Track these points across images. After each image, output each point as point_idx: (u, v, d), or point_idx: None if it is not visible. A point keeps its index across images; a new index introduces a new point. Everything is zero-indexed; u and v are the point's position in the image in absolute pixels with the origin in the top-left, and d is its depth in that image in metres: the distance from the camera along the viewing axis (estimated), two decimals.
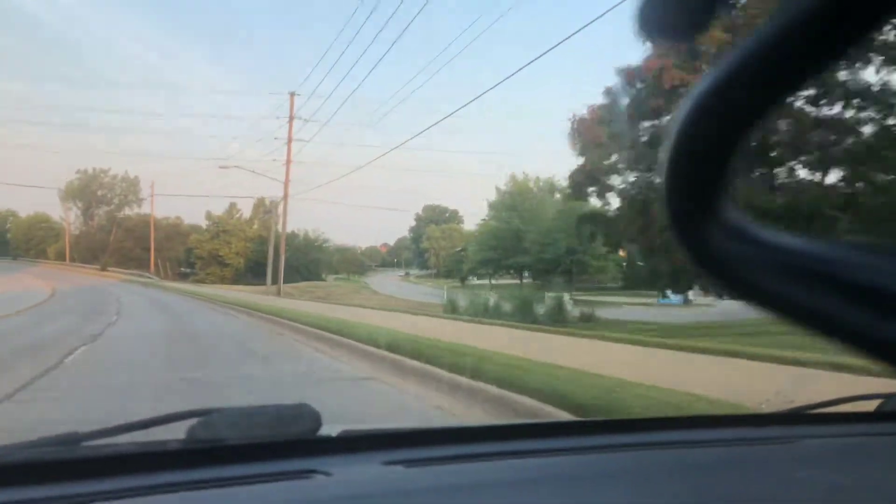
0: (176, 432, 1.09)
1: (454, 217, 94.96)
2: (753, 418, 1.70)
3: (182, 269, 62.73)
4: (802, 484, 1.14)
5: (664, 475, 1.18)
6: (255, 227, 67.04)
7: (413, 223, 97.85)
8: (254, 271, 62.62)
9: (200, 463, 1.07)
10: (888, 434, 1.44)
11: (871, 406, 1.50)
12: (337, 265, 70.68)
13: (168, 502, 0.98)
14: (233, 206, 67.00)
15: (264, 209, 68.78)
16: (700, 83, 0.31)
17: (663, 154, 0.33)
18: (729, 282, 0.33)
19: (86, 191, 77.34)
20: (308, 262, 63.39)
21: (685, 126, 0.32)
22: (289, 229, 63.08)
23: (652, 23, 0.33)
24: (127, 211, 76.63)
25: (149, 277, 50.96)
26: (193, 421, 1.09)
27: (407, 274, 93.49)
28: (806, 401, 1.56)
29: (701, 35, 0.32)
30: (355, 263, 79.45)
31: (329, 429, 1.19)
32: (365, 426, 1.37)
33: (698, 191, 0.33)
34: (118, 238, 67.80)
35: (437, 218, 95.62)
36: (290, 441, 1.15)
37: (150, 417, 1.12)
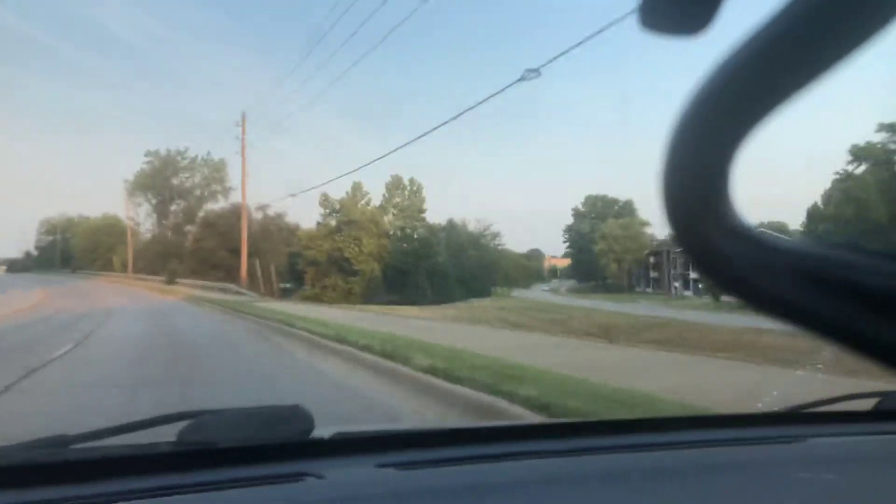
0: (167, 435, 1.07)
1: (628, 209, 70.87)
2: (751, 418, 1.63)
3: (282, 283, 40.07)
4: (802, 484, 1.13)
5: (662, 476, 1.16)
6: (391, 216, 44.44)
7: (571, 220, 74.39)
8: (393, 283, 38.57)
9: (191, 466, 1.08)
10: (886, 433, 1.42)
11: (868, 405, 1.47)
12: (507, 274, 48.08)
13: None
14: (357, 186, 45.33)
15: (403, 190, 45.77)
16: (702, 79, 0.31)
17: (663, 153, 0.32)
18: (730, 283, 0.32)
19: (158, 179, 58.51)
20: (480, 268, 40.05)
21: (686, 124, 0.31)
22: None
23: (654, 17, 0.32)
24: (211, 205, 57.44)
25: (240, 292, 28.73)
26: (184, 423, 1.09)
27: (553, 288, 69.72)
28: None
29: (704, 30, 0.32)
30: (524, 273, 56.78)
31: (322, 430, 1.18)
32: (358, 428, 1.36)
33: (700, 191, 0.32)
34: (197, 237, 47.74)
35: (603, 212, 71.73)
36: (281, 443, 1.15)
37: (140, 420, 1.12)
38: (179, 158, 58.70)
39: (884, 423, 1.45)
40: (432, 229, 43.56)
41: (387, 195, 47.98)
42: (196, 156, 58.72)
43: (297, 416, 1.15)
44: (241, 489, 1.02)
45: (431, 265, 39.34)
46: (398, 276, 39.92)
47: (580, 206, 72.54)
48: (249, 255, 36.03)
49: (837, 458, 1.29)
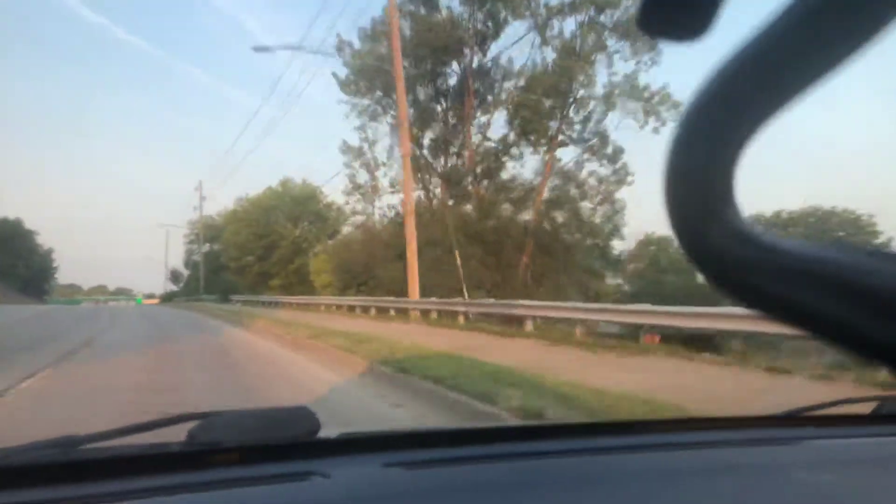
0: (175, 436, 1.11)
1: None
2: (750, 420, 1.65)
3: None
4: (800, 486, 1.15)
5: (664, 478, 1.18)
6: None
7: None
8: None
9: (199, 465, 1.10)
10: (884, 436, 1.44)
11: (867, 408, 1.50)
12: None
13: None
14: None
15: None
16: (704, 81, 0.31)
17: (666, 156, 0.32)
18: (731, 285, 0.32)
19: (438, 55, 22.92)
20: None
21: (688, 125, 0.31)
22: None
23: (654, 22, 0.32)
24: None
25: None
26: (192, 423, 1.12)
27: None
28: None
29: (704, 35, 0.32)
30: None
31: (328, 431, 1.21)
32: (364, 428, 1.35)
33: (701, 192, 0.32)
34: None
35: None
36: (288, 443, 1.17)
37: (150, 420, 1.15)
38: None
39: (882, 426, 1.47)
40: None
41: None
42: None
43: (303, 417, 1.18)
44: (248, 488, 1.05)
45: None
46: None
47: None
48: None
49: (836, 460, 1.30)
